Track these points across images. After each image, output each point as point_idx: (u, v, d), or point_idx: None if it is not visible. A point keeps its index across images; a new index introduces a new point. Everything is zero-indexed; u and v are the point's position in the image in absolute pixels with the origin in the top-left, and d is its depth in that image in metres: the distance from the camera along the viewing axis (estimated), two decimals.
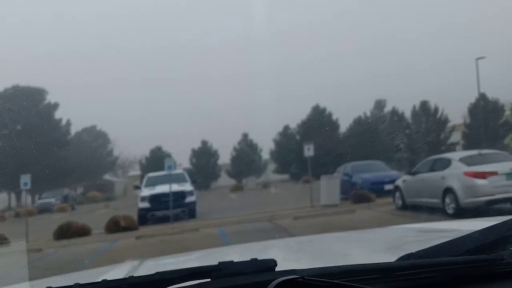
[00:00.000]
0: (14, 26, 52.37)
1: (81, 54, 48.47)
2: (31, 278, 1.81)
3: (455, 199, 11.03)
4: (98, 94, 53.45)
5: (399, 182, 14.15)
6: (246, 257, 1.12)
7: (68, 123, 42.53)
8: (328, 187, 16.27)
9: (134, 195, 24.65)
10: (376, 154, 22.54)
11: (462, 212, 10.65)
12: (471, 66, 28.98)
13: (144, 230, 14.99)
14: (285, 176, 43.44)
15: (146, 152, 43.00)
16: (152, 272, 1.08)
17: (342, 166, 19.76)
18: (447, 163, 11.90)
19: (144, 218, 16.94)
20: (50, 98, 41.05)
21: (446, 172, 11.65)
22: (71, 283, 1.05)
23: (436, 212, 11.51)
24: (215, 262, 1.09)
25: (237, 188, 35.24)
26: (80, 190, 46.01)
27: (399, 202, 13.87)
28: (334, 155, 25.14)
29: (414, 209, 12.64)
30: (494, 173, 10.58)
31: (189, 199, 17.50)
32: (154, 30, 64.35)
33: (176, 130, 52.28)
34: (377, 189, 16.68)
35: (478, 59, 28.41)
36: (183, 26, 62.63)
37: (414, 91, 45.20)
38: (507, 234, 1.18)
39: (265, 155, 46.45)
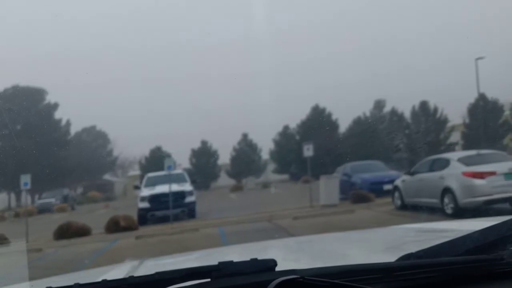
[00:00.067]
0: (14, 26, 52.39)
1: (81, 54, 48.52)
2: (31, 278, 1.81)
3: (454, 199, 11.05)
4: (98, 94, 53.52)
5: (398, 182, 14.16)
6: (246, 257, 1.12)
7: (68, 123, 42.53)
8: (328, 187, 16.27)
9: (134, 195, 24.66)
10: (376, 154, 22.55)
11: (460, 212, 10.67)
12: (470, 66, 29.03)
13: (144, 230, 14.99)
14: (285, 176, 43.45)
15: (146, 152, 43.05)
16: (152, 272, 1.08)
17: (342, 166, 19.77)
18: (445, 163, 11.92)
19: (144, 218, 16.95)
20: (50, 98, 41.06)
21: (444, 172, 11.67)
22: (71, 283, 1.05)
23: (435, 212, 11.52)
24: (215, 262, 1.09)
25: (237, 188, 35.24)
26: (80, 190, 46.00)
27: (398, 202, 13.88)
28: (334, 155, 25.15)
29: (413, 209, 12.65)
30: (492, 173, 10.60)
31: (188, 199, 17.50)
32: (154, 30, 64.44)
33: (176, 130, 52.31)
34: (376, 189, 16.70)
35: (477, 59, 28.45)
36: (183, 26, 62.70)
37: (413, 91, 45.25)
38: (507, 234, 1.18)
39: (265, 155, 46.51)
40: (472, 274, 1.13)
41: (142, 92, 57.48)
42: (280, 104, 52.24)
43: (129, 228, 14.78)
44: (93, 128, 50.39)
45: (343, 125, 40.89)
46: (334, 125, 40.40)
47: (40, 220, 23.22)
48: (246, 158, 44.56)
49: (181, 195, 17.29)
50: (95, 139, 51.08)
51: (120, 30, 63.41)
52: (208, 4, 67.99)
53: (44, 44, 54.18)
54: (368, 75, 51.12)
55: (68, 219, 15.74)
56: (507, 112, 37.09)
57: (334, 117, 41.11)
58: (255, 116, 53.30)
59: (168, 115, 54.83)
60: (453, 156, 12.53)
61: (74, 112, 42.86)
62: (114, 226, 14.72)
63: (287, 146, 41.27)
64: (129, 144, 54.53)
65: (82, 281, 1.05)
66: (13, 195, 38.15)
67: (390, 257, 1.24)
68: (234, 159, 45.99)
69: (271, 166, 45.30)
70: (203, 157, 45.63)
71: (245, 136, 46.47)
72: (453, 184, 11.13)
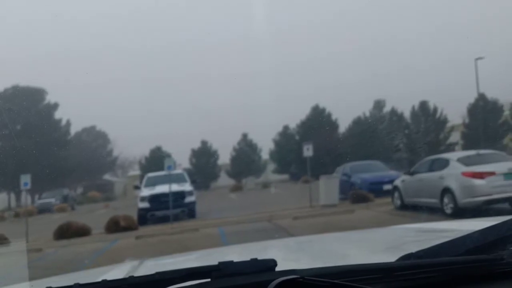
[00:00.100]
0: (14, 26, 52.41)
1: (81, 54, 48.55)
2: (31, 278, 1.81)
3: (453, 199, 11.06)
4: (98, 94, 53.56)
5: (397, 182, 14.16)
6: (246, 257, 1.12)
7: (68, 123, 42.53)
8: (327, 187, 16.27)
9: (134, 195, 24.66)
10: (376, 154, 22.56)
11: (460, 212, 10.68)
12: (470, 66, 29.03)
13: (144, 230, 14.99)
14: (285, 176, 43.46)
15: (146, 152, 43.05)
16: (152, 272, 1.08)
17: (341, 166, 19.76)
18: (445, 163, 11.94)
19: (144, 218, 16.95)
20: (50, 98, 41.07)
21: (444, 172, 11.68)
22: (71, 283, 1.05)
23: (434, 212, 11.53)
24: (215, 262, 1.09)
25: (237, 188, 35.24)
26: (80, 190, 46.01)
27: (398, 202, 13.89)
28: (334, 155, 25.15)
29: (412, 209, 12.66)
30: (492, 173, 10.61)
31: (188, 199, 17.50)
32: (154, 30, 64.45)
33: (176, 130, 52.34)
34: (376, 189, 16.70)
35: (477, 59, 28.45)
36: (183, 26, 62.74)
37: (413, 91, 45.28)
38: (507, 234, 1.18)
39: (265, 155, 46.52)
40: (472, 274, 1.13)
41: (142, 92, 57.57)
42: (280, 104, 52.31)
43: (129, 228, 14.78)
44: (93, 128, 50.41)
45: (343, 125, 40.96)
46: (334, 125, 40.40)
47: (40, 220, 23.22)
48: (246, 158, 44.56)
49: (181, 195, 17.29)
50: (95, 139, 51.08)
51: (120, 30, 63.48)
52: (208, 4, 68.06)
53: (44, 44, 54.23)
54: (368, 75, 51.19)
55: (68, 219, 15.74)
56: (506, 112, 37.10)
57: (334, 117, 41.16)
58: (255, 116, 53.36)
59: (168, 115, 54.91)
60: (453, 156, 12.54)
61: (74, 112, 42.93)
62: (114, 226, 14.72)
63: (287, 146, 41.26)
64: (129, 144, 54.64)
65: (82, 281, 1.05)
66: (13, 195, 38.15)
67: (390, 257, 1.24)
68: (234, 159, 45.99)
69: (271, 166, 45.30)
70: (203, 157, 45.64)
71: (245, 136, 46.48)
72: (453, 184, 11.14)
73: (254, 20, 50.52)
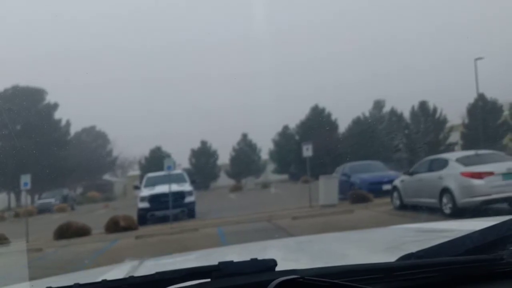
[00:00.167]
0: (14, 26, 52.40)
1: (81, 54, 48.55)
2: (31, 278, 1.81)
3: (452, 199, 11.07)
4: (98, 94, 53.56)
5: (397, 182, 14.16)
6: (246, 257, 1.12)
7: (68, 123, 42.56)
8: (327, 187, 16.27)
9: (134, 195, 24.66)
10: (375, 154, 22.57)
11: (459, 212, 10.69)
12: (470, 67, 29.02)
13: (143, 230, 15.00)
14: (284, 176, 43.48)
15: (146, 152, 43.10)
16: (152, 272, 1.08)
17: (341, 166, 19.76)
18: (444, 164, 11.95)
19: (144, 218, 16.96)
20: (50, 98, 41.10)
21: (443, 172, 11.69)
22: (71, 283, 1.05)
23: (433, 212, 11.54)
24: (215, 262, 1.09)
25: (236, 188, 35.24)
26: (79, 190, 46.00)
27: (397, 202, 13.89)
28: (333, 155, 25.15)
29: (412, 209, 12.67)
30: (490, 173, 10.63)
31: (188, 199, 17.51)
32: (154, 30, 64.46)
33: (176, 130, 52.33)
34: (375, 189, 16.71)
35: (476, 59, 28.44)
36: (183, 26, 62.72)
37: (413, 91, 45.32)
38: (507, 234, 1.18)
39: (264, 155, 46.56)
40: (472, 274, 1.13)
41: (142, 92, 57.57)
42: (279, 104, 52.30)
43: (129, 228, 14.78)
44: (93, 128, 50.42)
45: (343, 125, 41.00)
46: (333, 125, 40.41)
47: (40, 220, 23.22)
48: (245, 158, 44.58)
49: (181, 195, 17.30)
50: (95, 139, 51.07)
51: (120, 30, 63.47)
52: (208, 4, 68.06)
53: (44, 44, 54.23)
54: (367, 75, 51.20)
55: (68, 219, 15.73)
56: (506, 112, 37.14)
57: (333, 117, 41.19)
58: (255, 116, 53.38)
59: (168, 115, 54.91)
60: (452, 156, 12.55)
61: (74, 112, 42.92)
62: (114, 226, 14.72)
63: (287, 146, 41.28)
64: (129, 144, 54.68)
65: (82, 281, 1.06)
66: (13, 195, 38.16)
67: (390, 257, 1.24)
68: (233, 159, 46.00)
69: (271, 166, 45.32)
70: (203, 157, 45.65)
71: (244, 136, 46.50)
72: (452, 184, 11.16)
73: (254, 20, 50.54)
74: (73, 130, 44.38)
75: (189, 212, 17.37)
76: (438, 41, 57.65)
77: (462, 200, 10.78)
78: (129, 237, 13.31)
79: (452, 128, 38.88)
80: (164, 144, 42.45)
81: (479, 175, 10.71)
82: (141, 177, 28.69)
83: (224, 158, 46.65)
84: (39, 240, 13.98)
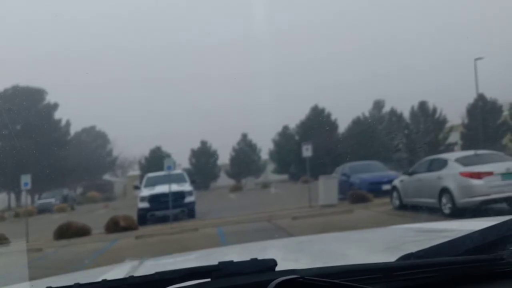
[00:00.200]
0: (14, 26, 52.38)
1: (81, 54, 48.53)
2: (31, 278, 1.81)
3: (451, 199, 11.08)
4: (98, 94, 53.55)
5: (396, 182, 14.17)
6: (246, 257, 1.12)
7: (68, 123, 42.56)
8: (326, 187, 16.27)
9: (134, 195, 24.65)
10: (375, 154, 22.58)
11: (458, 212, 10.70)
12: (469, 67, 29.02)
13: (143, 230, 15.00)
14: (284, 176, 43.47)
15: (146, 152, 43.10)
16: (152, 272, 1.08)
17: (340, 167, 19.76)
18: (443, 164, 11.96)
19: (144, 218, 16.96)
20: (50, 98, 41.09)
21: (442, 172, 11.70)
22: (71, 283, 1.05)
23: (432, 212, 11.55)
24: (215, 262, 1.09)
25: (236, 188, 35.25)
26: (79, 190, 45.99)
27: (397, 202, 13.89)
28: (333, 155, 25.16)
29: (411, 209, 12.68)
30: (489, 173, 10.64)
31: (188, 199, 17.52)
32: (154, 30, 64.45)
33: (176, 130, 52.32)
34: (375, 189, 16.72)
35: (476, 59, 28.44)
36: (183, 26, 62.70)
37: (412, 92, 45.32)
38: (507, 234, 1.18)
39: (264, 155, 46.57)
40: (472, 274, 1.13)
41: (142, 92, 57.56)
42: (279, 104, 52.30)
43: (129, 228, 14.78)
44: (92, 128, 50.41)
45: (342, 125, 41.00)
46: (333, 125, 40.41)
47: (40, 220, 23.22)
48: (245, 158, 44.58)
49: (181, 195, 17.30)
50: (94, 139, 51.07)
51: (120, 30, 63.46)
52: (208, 4, 68.05)
53: (44, 44, 54.21)
54: (367, 75, 51.19)
55: (68, 219, 15.73)
56: (505, 113, 37.14)
57: (333, 117, 41.19)
58: (255, 116, 53.37)
59: (168, 115, 54.90)
60: (451, 156, 12.56)
61: (74, 112, 42.91)
62: (114, 226, 14.72)
63: (287, 146, 41.29)
64: (129, 144, 54.69)
65: (82, 281, 1.05)
66: (13, 195, 38.15)
67: (390, 257, 1.24)
68: (233, 159, 46.00)
69: (271, 166, 45.32)
70: (203, 157, 45.65)
71: (244, 136, 46.51)
72: (451, 184, 11.16)
73: (254, 20, 50.51)
74: (73, 130, 44.45)
75: (189, 212, 17.37)
76: (438, 41, 57.71)
77: (461, 200, 10.79)
78: (129, 237, 13.31)
79: (451, 128, 38.89)
80: (164, 144, 42.50)
81: (478, 175, 10.72)
82: (141, 177, 28.69)
83: (224, 158, 46.73)
84: (39, 240, 13.97)
